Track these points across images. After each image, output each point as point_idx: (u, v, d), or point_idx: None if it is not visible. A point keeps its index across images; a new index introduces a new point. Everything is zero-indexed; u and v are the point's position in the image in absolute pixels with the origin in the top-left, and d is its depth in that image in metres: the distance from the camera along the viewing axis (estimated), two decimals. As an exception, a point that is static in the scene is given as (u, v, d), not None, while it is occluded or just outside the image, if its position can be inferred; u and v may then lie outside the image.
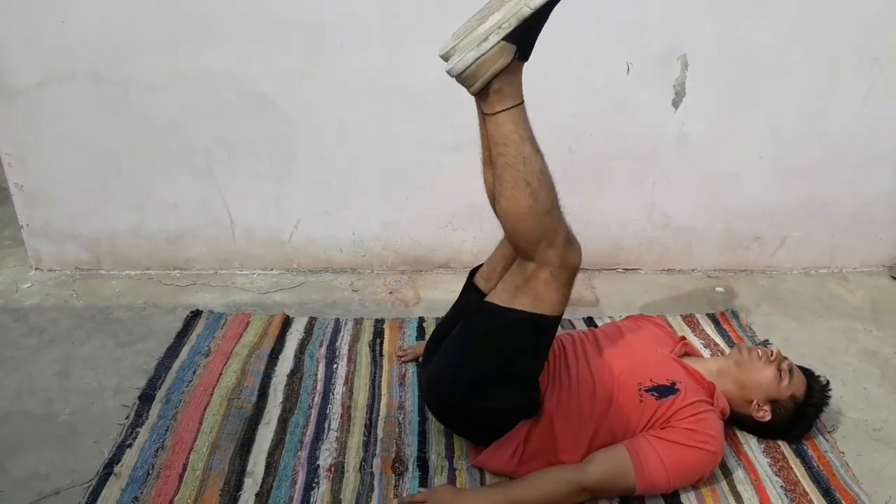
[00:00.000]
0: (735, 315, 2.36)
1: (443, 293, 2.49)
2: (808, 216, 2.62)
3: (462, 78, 1.39)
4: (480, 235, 2.59)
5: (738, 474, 1.71)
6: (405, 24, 2.21)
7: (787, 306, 2.48)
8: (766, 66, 2.33)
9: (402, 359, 2.07)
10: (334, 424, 1.82)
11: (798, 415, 1.74)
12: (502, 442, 1.62)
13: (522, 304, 1.50)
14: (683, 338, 1.89)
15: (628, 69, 2.30)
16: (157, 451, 1.71)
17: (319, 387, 1.96)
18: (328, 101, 2.33)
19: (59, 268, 2.58)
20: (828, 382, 1.80)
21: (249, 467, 1.68)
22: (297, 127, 2.36)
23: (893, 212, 2.64)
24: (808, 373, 1.80)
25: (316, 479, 1.65)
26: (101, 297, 2.42)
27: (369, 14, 2.19)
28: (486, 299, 1.58)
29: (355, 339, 2.17)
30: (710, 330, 2.27)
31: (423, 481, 1.66)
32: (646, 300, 2.51)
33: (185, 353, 2.08)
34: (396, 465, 1.69)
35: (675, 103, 2.36)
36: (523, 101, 1.42)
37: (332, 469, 1.68)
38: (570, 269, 1.48)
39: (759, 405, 1.73)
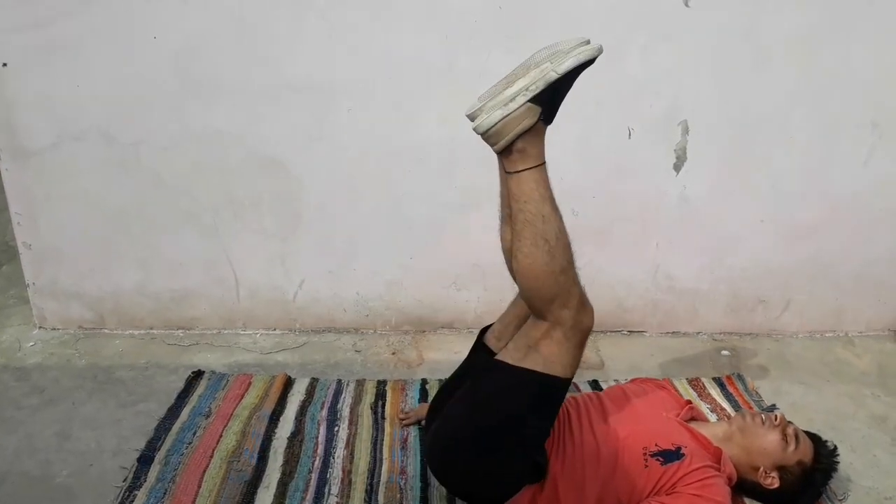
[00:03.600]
0: (741, 379, 2.34)
1: (446, 354, 2.48)
2: (812, 278, 2.62)
3: (487, 136, 1.43)
4: (484, 295, 2.59)
5: (748, 544, 1.67)
6: (411, 88, 2.26)
7: (794, 370, 2.46)
8: (767, 130, 2.37)
9: (405, 422, 2.05)
10: (334, 489, 1.79)
11: (807, 481, 1.71)
12: None
13: (533, 363, 1.47)
14: (689, 402, 1.87)
15: (630, 134, 2.34)
16: (154, 515, 1.68)
17: (320, 450, 1.93)
18: (335, 161, 2.37)
19: (62, 327, 2.58)
20: (835, 447, 1.77)
21: (247, 533, 1.65)
22: (304, 187, 2.40)
23: (898, 275, 2.64)
24: (814, 438, 1.78)
25: (315, 546, 1.62)
26: (104, 357, 2.41)
27: (376, 78, 2.25)
28: (496, 358, 1.56)
29: (357, 401, 2.15)
30: (716, 394, 2.25)
31: (425, 549, 1.63)
32: (651, 363, 2.49)
33: (185, 414, 2.06)
34: (397, 531, 1.66)
35: (677, 167, 2.39)
36: (545, 163, 1.46)
37: (332, 536, 1.65)
38: (582, 330, 1.47)
39: (766, 472, 1.70)
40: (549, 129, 2.33)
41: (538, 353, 1.47)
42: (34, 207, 2.39)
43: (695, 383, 2.31)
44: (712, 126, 2.35)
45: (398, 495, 1.77)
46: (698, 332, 2.70)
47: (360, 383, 2.26)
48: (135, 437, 1.97)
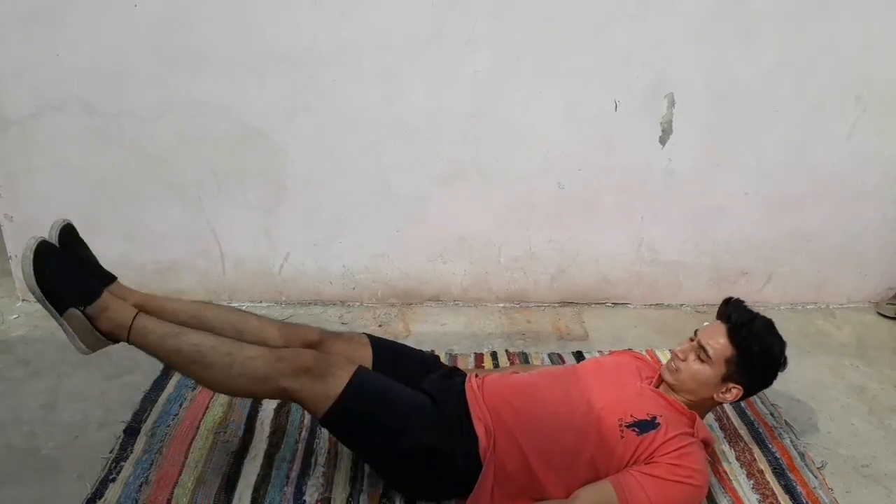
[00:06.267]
0: (723, 350, 2.36)
1: (433, 326, 2.49)
2: (794, 251, 2.64)
3: (91, 350, 1.55)
4: (470, 268, 2.60)
5: (727, 511, 1.70)
6: (397, 58, 2.24)
7: (775, 341, 2.49)
8: (752, 104, 2.37)
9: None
10: (321, 459, 1.80)
11: (750, 359, 1.65)
12: (478, 485, 1.59)
13: (318, 411, 1.58)
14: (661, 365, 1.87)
15: (616, 106, 2.33)
16: (141, 485, 1.68)
17: (307, 421, 1.94)
18: (319, 133, 2.35)
19: (46, 298, 2.56)
20: (734, 298, 1.72)
21: (235, 503, 1.65)
22: (289, 158, 2.38)
23: (878, 247, 2.67)
24: (719, 318, 1.72)
25: (302, 516, 1.63)
26: (88, 329, 2.40)
27: (362, 47, 2.22)
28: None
29: (344, 373, 2.16)
30: (698, 365, 2.27)
31: (411, 517, 1.64)
32: (635, 335, 2.51)
33: (171, 385, 2.06)
34: (383, 500, 1.68)
35: (662, 140, 2.40)
36: (137, 312, 1.56)
37: (319, 505, 1.66)
38: (301, 373, 1.55)
39: (720, 394, 1.67)
40: (534, 102, 2.33)
41: (310, 407, 1.59)
42: (14, 178, 2.36)
43: (678, 354, 2.33)
44: (698, 99, 2.35)
45: (384, 465, 1.78)
46: (681, 304, 2.72)
47: (347, 355, 2.26)
48: (121, 409, 1.97)
